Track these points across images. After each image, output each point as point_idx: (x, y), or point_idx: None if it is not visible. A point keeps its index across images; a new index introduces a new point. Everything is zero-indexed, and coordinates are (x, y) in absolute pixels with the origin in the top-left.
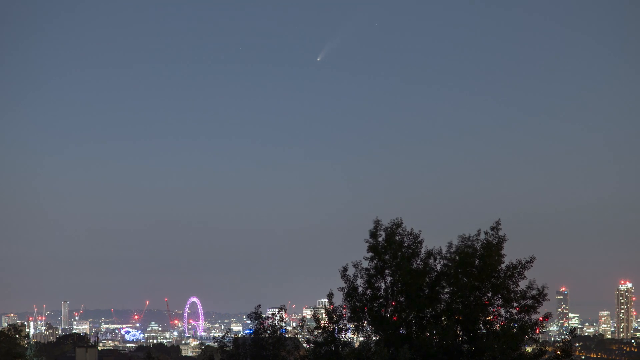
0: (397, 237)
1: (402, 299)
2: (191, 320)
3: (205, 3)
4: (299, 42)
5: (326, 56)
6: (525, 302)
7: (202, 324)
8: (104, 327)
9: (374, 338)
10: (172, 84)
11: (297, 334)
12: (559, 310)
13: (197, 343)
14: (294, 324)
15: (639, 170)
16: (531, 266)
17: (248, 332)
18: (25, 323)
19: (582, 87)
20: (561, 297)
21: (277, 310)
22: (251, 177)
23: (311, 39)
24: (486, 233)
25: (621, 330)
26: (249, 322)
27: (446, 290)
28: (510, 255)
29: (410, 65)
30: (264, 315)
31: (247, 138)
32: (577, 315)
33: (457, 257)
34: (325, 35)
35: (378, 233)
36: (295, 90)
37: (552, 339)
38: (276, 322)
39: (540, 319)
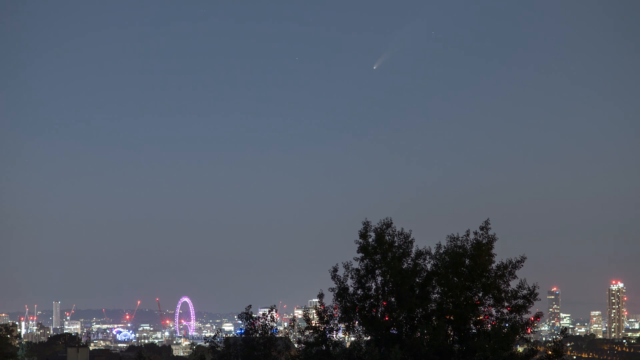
0: (387, 237)
1: (392, 299)
2: (182, 320)
3: (260, 13)
4: (355, 50)
5: (382, 64)
6: (516, 301)
7: (193, 323)
8: (95, 327)
9: (364, 338)
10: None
11: (288, 334)
12: (551, 310)
13: (189, 343)
14: (285, 324)
15: (630, 171)
16: (522, 266)
17: (239, 332)
18: (17, 323)
19: (573, 90)
20: (553, 297)
21: (268, 310)
22: (244, 178)
23: (368, 47)
24: (476, 233)
25: (612, 330)
26: (240, 322)
27: (437, 290)
28: (501, 255)
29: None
30: (255, 316)
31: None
32: (569, 315)
33: (447, 258)
34: (382, 43)
35: (368, 234)
36: (351, 98)
37: (544, 339)
38: (267, 322)
39: (532, 318)
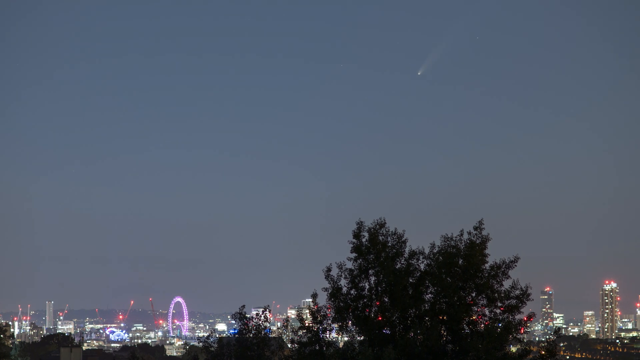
0: (380, 238)
1: (386, 299)
2: (176, 320)
3: (308, 19)
4: (400, 55)
5: (427, 70)
6: (509, 302)
7: (186, 324)
8: (88, 327)
9: (358, 338)
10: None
11: (281, 334)
12: (544, 310)
13: (182, 343)
14: (279, 324)
15: (622, 172)
16: (515, 266)
17: (232, 332)
18: (10, 323)
19: (568, 94)
20: (546, 297)
21: (261, 310)
22: (238, 178)
23: (412, 52)
24: (469, 233)
25: (606, 330)
26: (233, 322)
27: (430, 290)
28: (494, 255)
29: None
30: (248, 316)
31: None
32: (562, 315)
33: (441, 258)
34: (426, 49)
35: (361, 234)
36: (396, 104)
37: (537, 339)
38: (260, 322)
39: (525, 318)
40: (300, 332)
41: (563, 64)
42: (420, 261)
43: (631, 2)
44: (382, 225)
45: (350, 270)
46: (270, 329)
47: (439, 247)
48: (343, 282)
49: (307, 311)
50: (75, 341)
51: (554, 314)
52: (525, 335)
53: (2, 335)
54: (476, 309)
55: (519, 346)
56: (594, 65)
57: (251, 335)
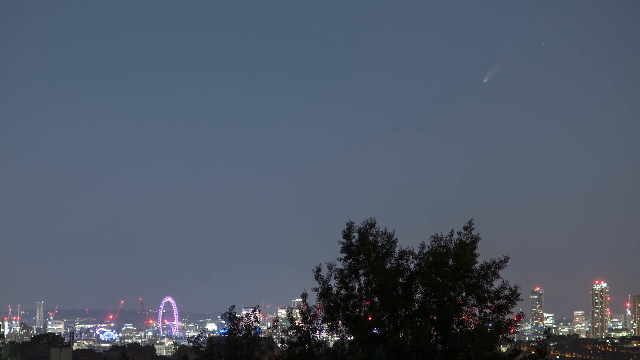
0: (370, 238)
1: (376, 299)
2: (166, 320)
3: (369, 29)
4: (465, 62)
5: (493, 77)
6: (499, 301)
7: (176, 323)
8: (78, 326)
9: (348, 338)
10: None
11: (271, 334)
12: (534, 310)
13: (172, 343)
14: (269, 324)
15: (613, 171)
16: (505, 266)
17: (222, 332)
18: (0, 323)
19: (566, 100)
20: (536, 296)
21: (251, 310)
22: (230, 177)
23: (478, 59)
24: (459, 233)
25: (596, 329)
26: (223, 322)
27: (420, 290)
28: (484, 255)
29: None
30: (238, 316)
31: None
32: (552, 315)
33: (431, 258)
34: (492, 56)
35: (351, 234)
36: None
37: (527, 338)
38: (250, 322)
39: (515, 318)
40: (290, 332)
41: (564, 68)
42: (410, 261)
43: None
44: (372, 225)
45: (340, 270)
46: (260, 329)
47: (429, 247)
48: (333, 282)
49: (297, 311)
50: (65, 341)
51: (544, 314)
52: (515, 335)
53: None
54: (466, 308)
55: (509, 346)
56: (599, 69)
57: (241, 335)
